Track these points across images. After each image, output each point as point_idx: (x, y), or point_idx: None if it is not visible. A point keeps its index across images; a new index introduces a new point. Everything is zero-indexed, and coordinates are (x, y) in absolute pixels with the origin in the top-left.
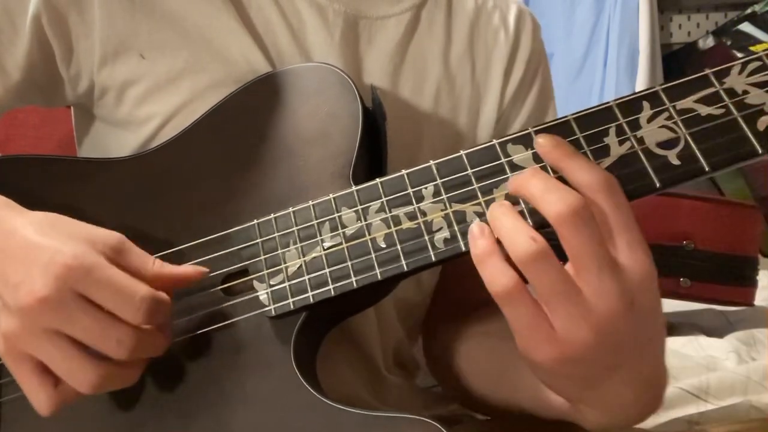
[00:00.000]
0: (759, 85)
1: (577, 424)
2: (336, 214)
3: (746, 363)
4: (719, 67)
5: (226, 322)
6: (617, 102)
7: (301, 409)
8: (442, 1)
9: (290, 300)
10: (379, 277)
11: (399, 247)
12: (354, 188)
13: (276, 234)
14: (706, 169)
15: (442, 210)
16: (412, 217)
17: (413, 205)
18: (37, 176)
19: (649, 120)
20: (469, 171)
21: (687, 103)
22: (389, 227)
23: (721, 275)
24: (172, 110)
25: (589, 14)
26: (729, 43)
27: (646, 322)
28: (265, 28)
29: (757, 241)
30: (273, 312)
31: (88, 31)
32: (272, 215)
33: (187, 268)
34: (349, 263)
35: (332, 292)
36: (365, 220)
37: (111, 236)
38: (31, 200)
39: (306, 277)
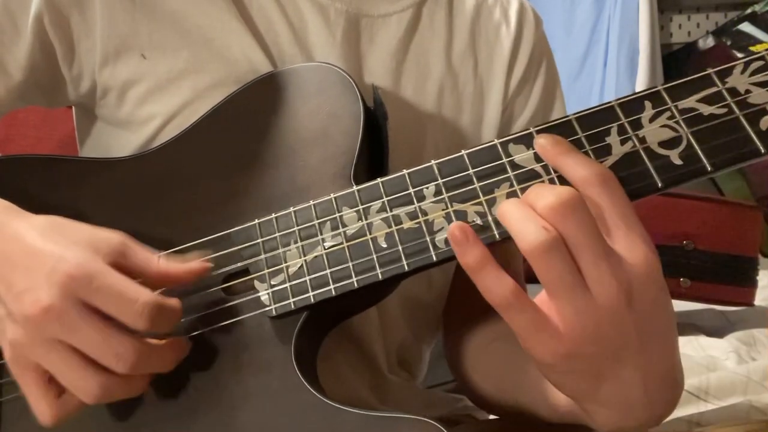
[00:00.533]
0: (761, 85)
1: (588, 426)
2: (337, 214)
3: (746, 363)
4: (721, 67)
5: (227, 322)
6: (619, 101)
7: (302, 409)
8: None
9: (291, 300)
10: (380, 277)
11: (400, 247)
12: (355, 188)
13: (277, 234)
14: (709, 169)
15: (443, 210)
16: (413, 216)
17: (414, 204)
18: (38, 176)
19: (651, 119)
20: (471, 171)
21: (689, 102)
22: (390, 227)
23: (721, 275)
24: (173, 110)
25: (589, 14)
26: (729, 43)
27: (650, 315)
28: (267, 28)
29: (757, 241)
30: (274, 312)
31: (90, 31)
32: (273, 215)
33: (192, 265)
34: (350, 263)
35: (333, 292)
36: (366, 219)
37: (113, 238)
38: (31, 200)
39: (307, 277)
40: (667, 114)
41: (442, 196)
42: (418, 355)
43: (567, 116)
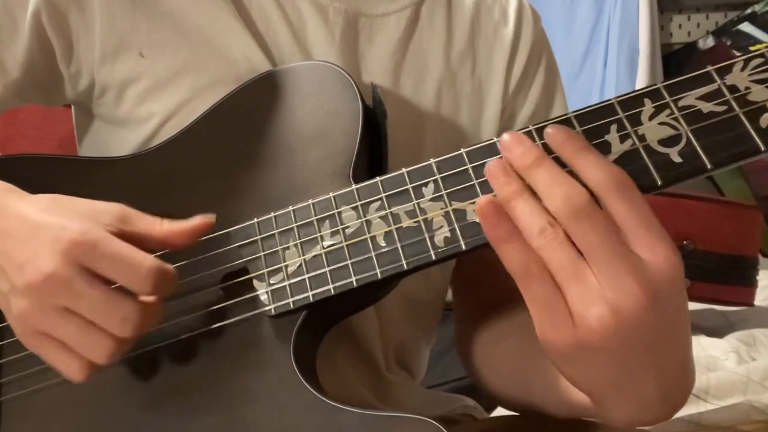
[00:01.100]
0: (761, 82)
1: (601, 421)
2: (336, 212)
3: (746, 363)
4: (721, 64)
5: (226, 322)
6: (618, 99)
7: (301, 409)
8: None
9: (290, 299)
10: (379, 276)
11: (399, 245)
12: (354, 186)
13: (276, 232)
14: (708, 166)
15: (442, 208)
16: (412, 215)
17: (413, 202)
18: (38, 175)
19: (651, 117)
20: (470, 169)
21: (689, 99)
22: (389, 225)
23: (721, 275)
24: (172, 109)
25: (589, 14)
26: (729, 43)
27: (672, 317)
28: (266, 27)
29: (757, 241)
30: (273, 311)
31: (89, 28)
32: (272, 214)
33: (195, 220)
34: (349, 262)
35: (332, 291)
36: (365, 218)
37: (113, 206)
38: None
39: (306, 276)
40: (667, 111)
41: (441, 194)
42: (417, 354)
43: (566, 114)
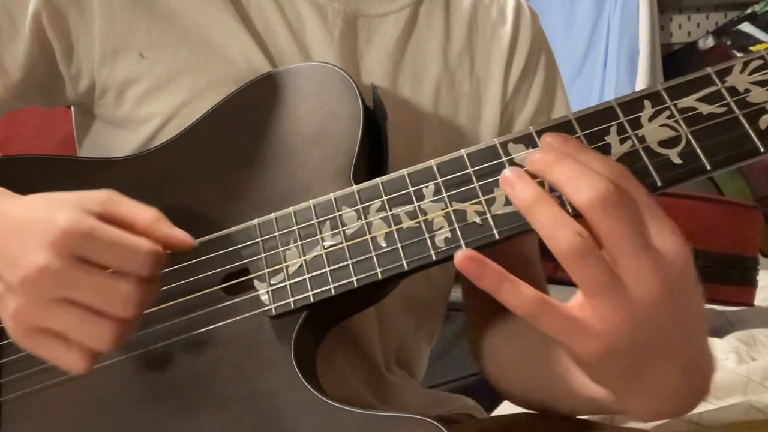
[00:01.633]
0: (761, 84)
1: (623, 415)
2: (336, 213)
3: (746, 363)
4: (721, 66)
5: (227, 322)
6: (618, 101)
7: (302, 409)
8: None
9: (291, 299)
10: (379, 276)
11: (400, 246)
12: (354, 187)
13: (276, 233)
14: (708, 167)
15: (442, 209)
16: (412, 216)
17: (414, 203)
18: (38, 176)
19: (651, 119)
20: (470, 170)
21: (688, 101)
22: (390, 226)
23: (721, 275)
24: (172, 110)
25: (589, 14)
26: (729, 43)
27: (688, 307)
28: (265, 27)
29: (757, 241)
30: (273, 311)
31: (88, 29)
32: (273, 214)
33: (176, 232)
34: (350, 262)
35: (333, 292)
36: (365, 218)
37: (99, 193)
38: None
39: (306, 276)
40: (667, 113)
41: (441, 196)
42: (417, 354)
43: (566, 116)
